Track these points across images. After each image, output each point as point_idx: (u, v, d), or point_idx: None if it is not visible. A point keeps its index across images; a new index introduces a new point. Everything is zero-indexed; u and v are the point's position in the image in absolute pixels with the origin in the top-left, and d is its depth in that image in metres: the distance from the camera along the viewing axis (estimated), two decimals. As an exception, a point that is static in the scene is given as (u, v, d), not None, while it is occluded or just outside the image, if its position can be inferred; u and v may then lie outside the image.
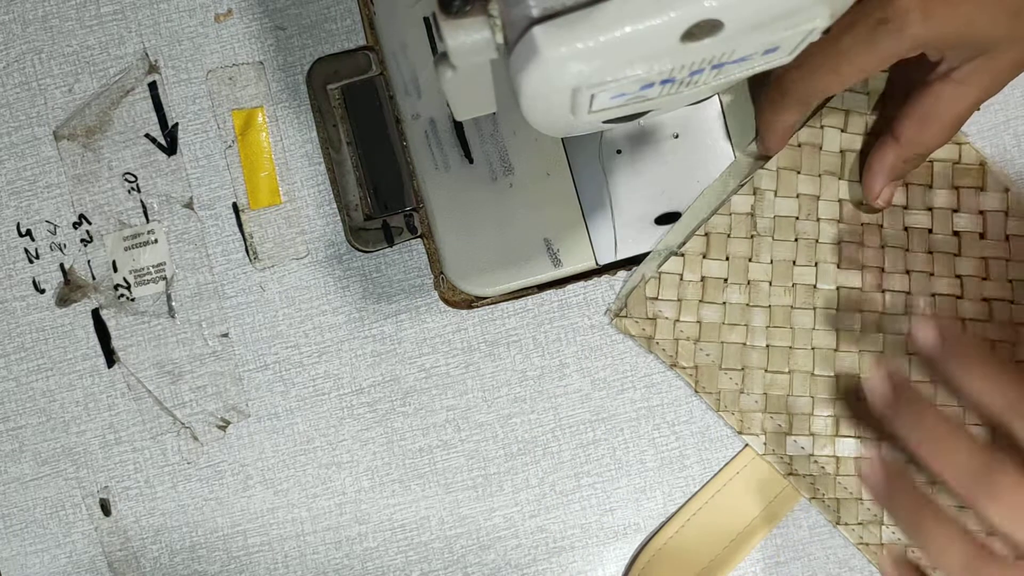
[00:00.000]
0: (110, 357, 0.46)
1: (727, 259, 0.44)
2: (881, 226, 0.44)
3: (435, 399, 0.46)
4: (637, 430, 0.45)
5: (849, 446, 0.43)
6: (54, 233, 0.46)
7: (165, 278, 0.46)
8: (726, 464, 0.45)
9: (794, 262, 0.44)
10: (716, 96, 0.44)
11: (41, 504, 0.46)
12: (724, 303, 0.44)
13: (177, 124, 0.46)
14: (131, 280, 0.46)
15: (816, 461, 0.43)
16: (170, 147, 0.46)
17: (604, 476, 0.45)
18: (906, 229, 0.44)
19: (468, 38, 0.27)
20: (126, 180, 0.46)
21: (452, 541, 0.46)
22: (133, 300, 0.46)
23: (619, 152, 0.44)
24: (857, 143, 0.44)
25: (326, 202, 0.46)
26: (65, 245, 0.46)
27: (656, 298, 0.44)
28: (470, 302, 0.45)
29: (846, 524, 0.43)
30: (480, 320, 0.46)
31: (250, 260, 0.46)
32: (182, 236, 0.46)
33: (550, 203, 0.44)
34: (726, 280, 0.44)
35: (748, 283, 0.44)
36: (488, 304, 0.45)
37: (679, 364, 0.44)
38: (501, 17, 0.27)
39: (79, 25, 0.46)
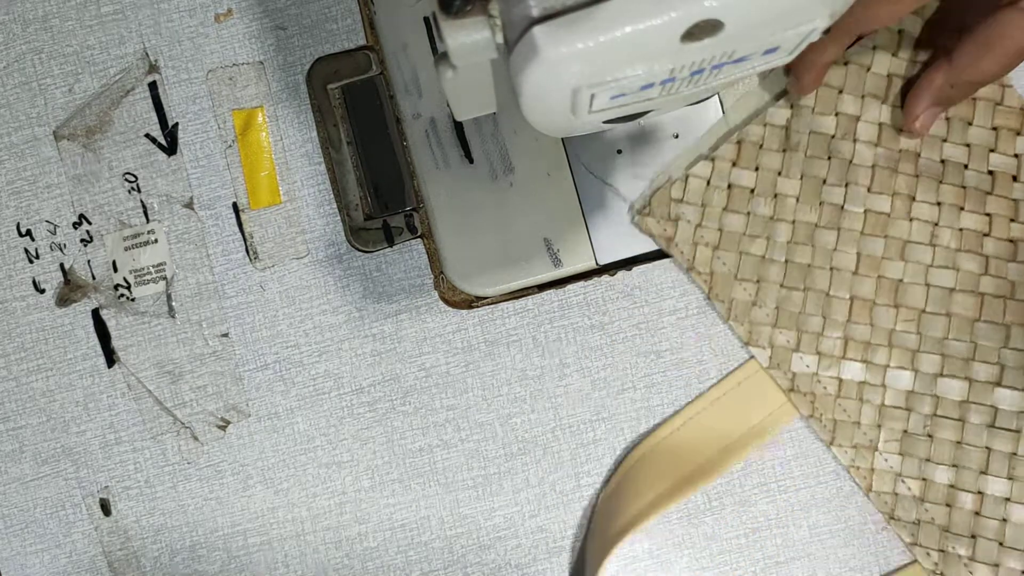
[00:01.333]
0: (110, 357, 0.46)
1: (756, 170, 0.43)
2: (919, 155, 0.43)
3: (435, 398, 0.46)
4: (637, 430, 0.45)
5: (855, 370, 0.43)
6: (54, 233, 0.46)
7: (165, 278, 0.46)
8: (729, 373, 0.45)
9: (824, 181, 0.43)
10: (716, 96, 0.44)
11: (41, 504, 0.46)
12: (748, 213, 0.43)
13: (177, 124, 0.46)
14: (131, 280, 0.46)
15: (819, 381, 0.43)
16: (170, 147, 0.46)
17: (604, 476, 0.45)
18: (943, 161, 0.43)
19: (468, 38, 0.27)
20: (126, 180, 0.46)
21: (452, 541, 0.46)
22: (133, 300, 0.46)
23: (619, 152, 0.44)
24: (905, 69, 0.43)
25: (326, 202, 0.46)
26: (65, 245, 0.46)
27: (681, 200, 0.43)
28: (470, 302, 0.45)
29: (840, 446, 0.43)
30: (480, 320, 0.46)
31: (250, 260, 0.46)
32: (182, 236, 0.46)
33: (550, 203, 0.44)
34: (753, 191, 0.44)
35: (775, 196, 0.43)
36: (488, 304, 0.45)
37: (695, 268, 0.44)
38: (501, 17, 0.27)
39: (79, 25, 0.46)
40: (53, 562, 0.46)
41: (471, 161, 0.44)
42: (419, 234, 0.46)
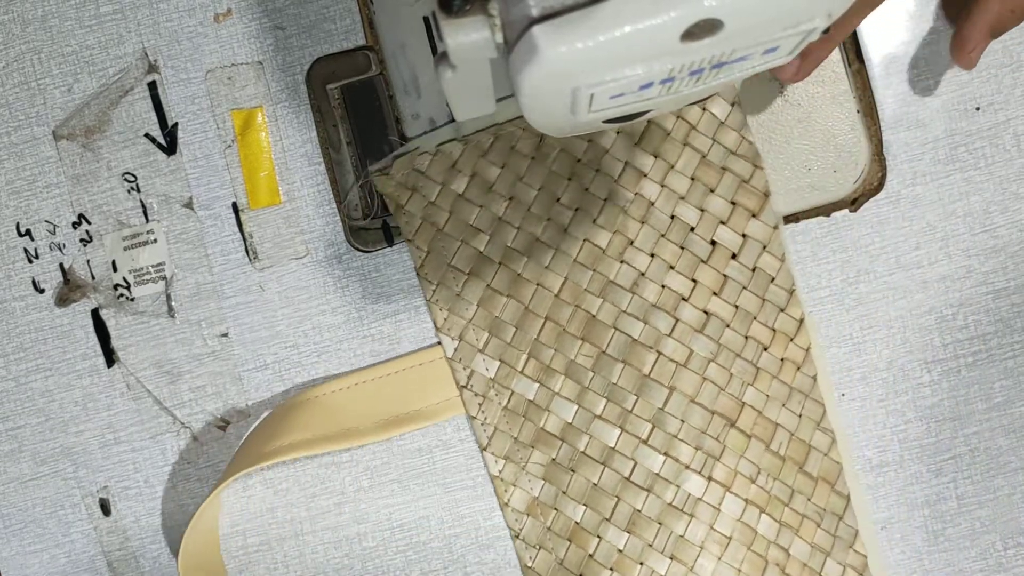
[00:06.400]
0: (109, 357, 0.46)
1: (503, 167, 0.44)
2: (652, 203, 0.43)
3: (434, 399, 0.46)
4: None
5: (528, 388, 0.44)
6: (53, 233, 0.46)
7: (164, 278, 0.46)
8: (413, 352, 0.45)
9: (559, 199, 0.44)
10: (715, 96, 0.44)
11: (40, 504, 0.46)
12: (482, 206, 0.44)
13: (176, 124, 0.46)
14: (130, 280, 0.46)
15: (493, 387, 0.44)
16: (169, 147, 0.46)
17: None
18: (672, 217, 0.44)
19: (468, 38, 0.27)
20: (125, 180, 0.46)
21: (452, 540, 0.46)
22: (132, 300, 0.46)
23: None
24: (680, 130, 0.44)
25: (326, 202, 0.46)
26: (64, 245, 0.46)
27: (423, 172, 0.44)
28: (469, 302, 0.46)
29: (493, 454, 0.44)
30: (479, 320, 0.46)
31: (249, 260, 0.46)
32: (181, 236, 0.46)
33: (549, 203, 0.44)
34: (492, 187, 0.44)
35: (511, 199, 0.44)
36: (487, 304, 0.45)
37: (415, 242, 0.44)
38: (501, 17, 0.27)
39: (78, 25, 0.46)
40: (52, 562, 0.46)
41: (470, 161, 0.44)
42: (418, 234, 0.46)
